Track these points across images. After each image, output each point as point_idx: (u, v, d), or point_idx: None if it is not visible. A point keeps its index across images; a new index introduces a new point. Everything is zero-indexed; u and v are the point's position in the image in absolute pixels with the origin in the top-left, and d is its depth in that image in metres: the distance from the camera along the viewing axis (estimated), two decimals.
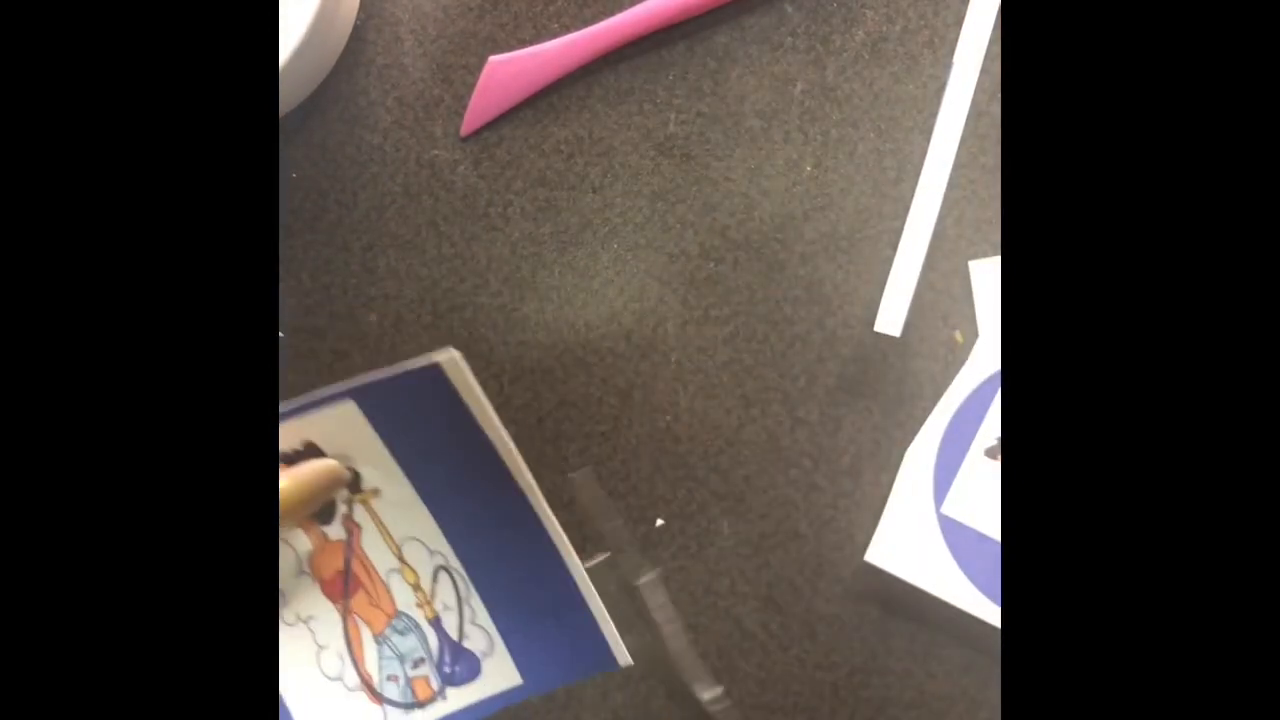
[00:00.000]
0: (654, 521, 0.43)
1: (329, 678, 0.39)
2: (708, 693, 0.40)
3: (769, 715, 0.42)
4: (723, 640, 0.42)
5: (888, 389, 0.42)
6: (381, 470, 0.38)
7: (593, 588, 0.37)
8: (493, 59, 0.43)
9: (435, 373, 0.35)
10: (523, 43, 0.44)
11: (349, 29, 0.44)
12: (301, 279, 0.44)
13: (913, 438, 0.41)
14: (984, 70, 0.41)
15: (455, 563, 0.39)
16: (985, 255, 0.42)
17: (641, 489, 0.43)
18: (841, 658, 0.42)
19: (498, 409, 0.38)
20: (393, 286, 0.44)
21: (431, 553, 0.39)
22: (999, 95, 0.42)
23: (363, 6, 0.44)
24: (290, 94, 0.43)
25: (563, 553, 0.38)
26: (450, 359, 0.35)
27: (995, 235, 0.42)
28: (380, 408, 0.37)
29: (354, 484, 0.39)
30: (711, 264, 0.43)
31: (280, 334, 0.44)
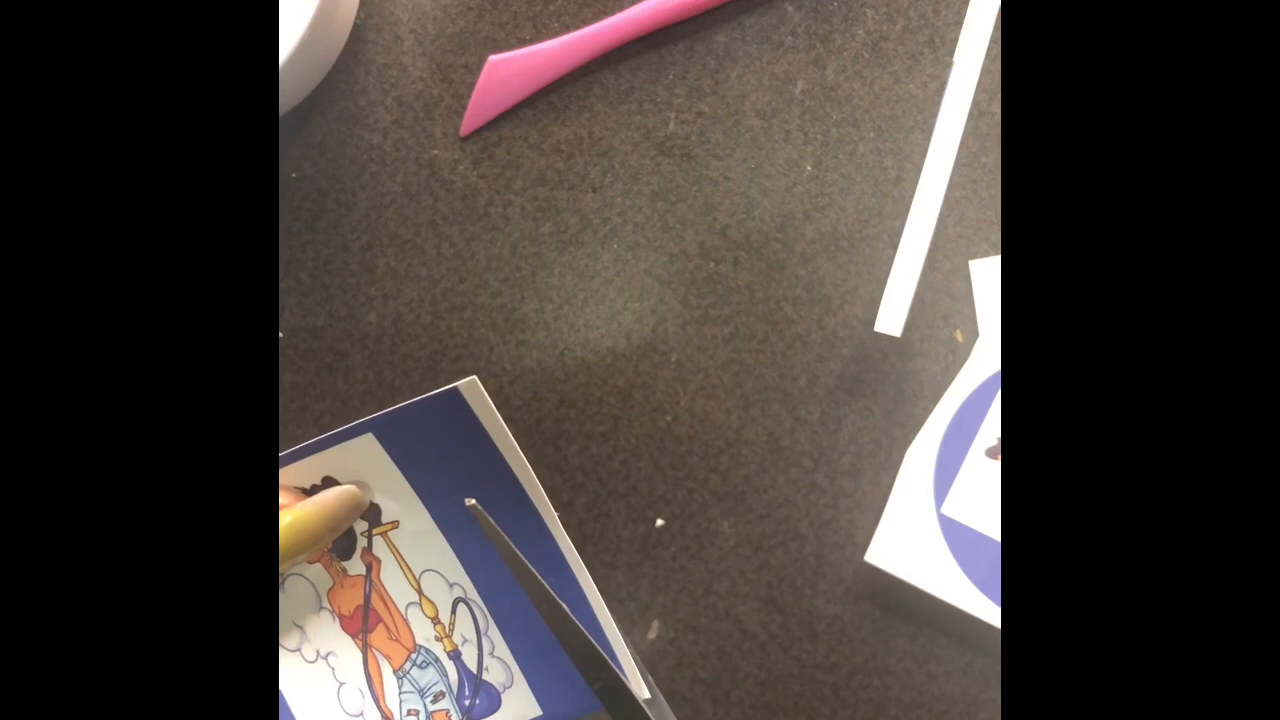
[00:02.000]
0: (654, 521, 0.43)
1: (350, 714, 0.39)
2: None
3: (769, 715, 0.42)
4: (723, 640, 0.42)
5: (888, 389, 0.42)
6: (400, 502, 0.38)
7: (610, 617, 0.37)
8: (492, 58, 0.43)
9: (453, 397, 0.35)
10: (523, 42, 0.44)
11: (348, 28, 0.44)
12: (301, 279, 0.44)
13: (913, 438, 0.41)
14: (984, 70, 0.40)
15: (474, 594, 0.38)
16: (985, 255, 0.42)
17: (641, 489, 0.43)
18: (841, 658, 0.42)
19: (498, 408, 0.38)
20: (392, 286, 0.44)
21: (450, 585, 0.39)
22: (999, 95, 0.42)
23: (362, 6, 0.44)
24: (290, 93, 0.43)
25: (581, 581, 0.37)
26: (469, 382, 0.35)
27: (995, 235, 0.42)
28: (398, 438, 0.37)
29: (374, 517, 0.38)
30: (711, 264, 0.43)
31: (280, 334, 0.44)
